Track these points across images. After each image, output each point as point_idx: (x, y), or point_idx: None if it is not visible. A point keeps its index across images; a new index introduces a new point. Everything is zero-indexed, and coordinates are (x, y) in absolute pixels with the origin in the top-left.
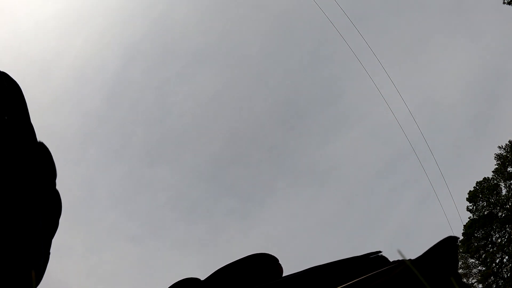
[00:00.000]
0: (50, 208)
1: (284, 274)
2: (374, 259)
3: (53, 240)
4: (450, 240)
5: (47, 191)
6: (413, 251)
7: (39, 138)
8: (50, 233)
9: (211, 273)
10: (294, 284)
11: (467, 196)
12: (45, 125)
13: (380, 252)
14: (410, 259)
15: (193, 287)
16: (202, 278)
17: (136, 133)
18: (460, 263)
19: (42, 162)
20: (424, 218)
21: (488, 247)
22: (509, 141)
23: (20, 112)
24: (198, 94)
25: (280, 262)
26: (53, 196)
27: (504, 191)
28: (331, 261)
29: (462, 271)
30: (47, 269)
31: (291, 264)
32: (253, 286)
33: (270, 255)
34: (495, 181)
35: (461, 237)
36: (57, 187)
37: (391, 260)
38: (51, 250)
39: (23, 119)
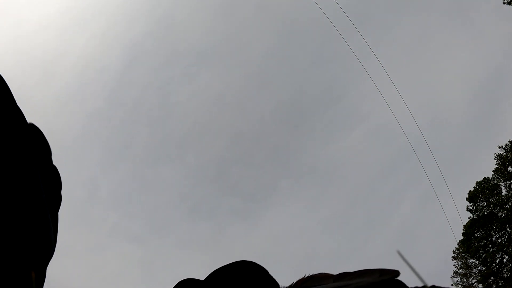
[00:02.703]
0: (50, 182)
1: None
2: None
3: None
4: None
5: (45, 166)
6: (414, 252)
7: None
8: (54, 205)
9: (208, 275)
10: None
11: (467, 196)
12: (48, 125)
13: (397, 274)
14: None
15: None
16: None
17: (139, 133)
18: (460, 263)
19: (35, 141)
20: (425, 218)
21: (488, 247)
22: (509, 141)
23: (4, 98)
24: (202, 94)
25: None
26: (51, 170)
27: (504, 191)
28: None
29: (462, 271)
30: (49, 269)
31: (293, 263)
32: None
33: (259, 265)
34: (495, 181)
35: (461, 237)
36: (62, 189)
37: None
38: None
39: (9, 104)
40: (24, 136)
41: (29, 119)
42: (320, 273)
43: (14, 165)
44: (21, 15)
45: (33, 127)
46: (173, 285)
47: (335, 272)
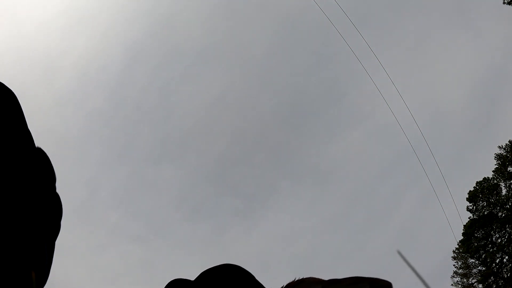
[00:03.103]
0: (51, 211)
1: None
2: None
3: (57, 241)
4: None
5: (47, 194)
6: (414, 252)
7: (42, 140)
8: (52, 235)
9: (197, 275)
10: None
11: (467, 196)
12: (49, 125)
13: (388, 286)
14: None
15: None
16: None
17: (140, 133)
18: (460, 263)
19: (40, 167)
20: (425, 218)
21: (488, 247)
22: (509, 141)
23: (16, 120)
24: (202, 94)
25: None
26: (54, 199)
27: (504, 191)
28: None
29: (462, 271)
30: (51, 270)
31: (294, 263)
32: None
33: (246, 270)
34: (495, 181)
35: (461, 237)
36: (60, 188)
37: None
38: (55, 252)
39: (20, 126)
40: (30, 161)
41: (30, 119)
42: (310, 277)
43: (17, 191)
44: (22, 15)
45: (40, 152)
46: (165, 285)
47: (328, 276)
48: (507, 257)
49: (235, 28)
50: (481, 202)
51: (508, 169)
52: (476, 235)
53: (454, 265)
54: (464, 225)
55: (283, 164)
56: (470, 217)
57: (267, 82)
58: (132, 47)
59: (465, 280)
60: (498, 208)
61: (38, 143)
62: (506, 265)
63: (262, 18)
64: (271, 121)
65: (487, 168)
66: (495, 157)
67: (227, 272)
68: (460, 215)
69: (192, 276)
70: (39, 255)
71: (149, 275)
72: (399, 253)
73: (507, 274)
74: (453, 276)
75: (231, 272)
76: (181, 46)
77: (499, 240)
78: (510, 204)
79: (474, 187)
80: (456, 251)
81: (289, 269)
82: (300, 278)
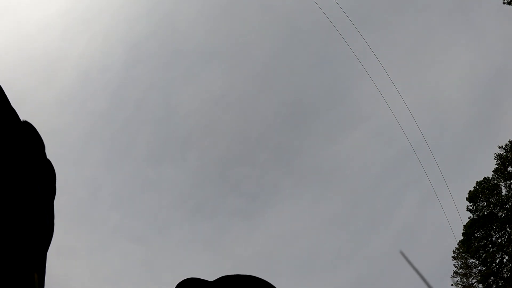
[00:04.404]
0: (45, 175)
1: None
2: None
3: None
4: None
5: (39, 160)
6: (414, 251)
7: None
8: (49, 196)
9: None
10: None
11: (467, 196)
12: (49, 124)
13: None
14: None
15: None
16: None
17: (141, 133)
18: (460, 263)
19: (28, 137)
20: (425, 218)
21: (488, 247)
22: (509, 141)
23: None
24: (204, 94)
25: None
26: (45, 164)
27: (504, 191)
28: None
29: (462, 271)
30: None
31: (294, 263)
32: None
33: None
34: (495, 181)
35: (461, 237)
36: (61, 188)
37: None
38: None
39: (4, 104)
40: (18, 133)
41: (31, 119)
42: None
43: (10, 161)
44: (23, 15)
45: (27, 124)
46: (177, 283)
47: None
48: (507, 257)
49: (237, 28)
50: (481, 202)
51: (508, 169)
52: (476, 235)
53: (454, 265)
54: (464, 225)
55: (285, 164)
56: (470, 217)
57: (269, 82)
58: (133, 47)
59: (465, 280)
60: (498, 208)
61: None
62: (506, 265)
63: (263, 19)
64: (272, 121)
65: (487, 168)
66: (495, 157)
67: (253, 285)
68: (460, 215)
69: (194, 276)
70: (40, 218)
71: (150, 275)
72: (402, 253)
73: (507, 274)
74: (453, 276)
75: (257, 285)
76: (182, 46)
77: (499, 240)
78: (510, 204)
79: (474, 187)
80: (456, 251)
81: (290, 269)
82: None
